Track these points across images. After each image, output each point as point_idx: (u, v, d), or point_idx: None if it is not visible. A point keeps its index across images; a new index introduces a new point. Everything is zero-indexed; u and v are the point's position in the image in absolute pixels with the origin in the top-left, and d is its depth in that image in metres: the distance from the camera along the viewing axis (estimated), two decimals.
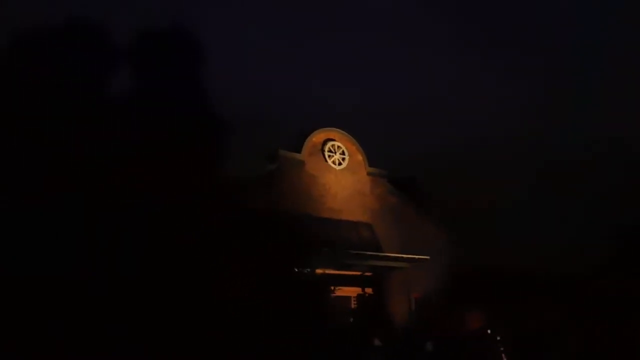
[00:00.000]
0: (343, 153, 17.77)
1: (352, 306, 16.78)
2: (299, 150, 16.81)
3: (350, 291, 16.84)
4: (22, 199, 10.39)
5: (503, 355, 16.10)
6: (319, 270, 15.32)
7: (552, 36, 49.72)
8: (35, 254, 9.77)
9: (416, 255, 15.81)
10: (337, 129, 17.97)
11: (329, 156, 17.41)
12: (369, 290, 17.09)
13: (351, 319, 16.28)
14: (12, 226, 10.04)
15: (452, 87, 47.78)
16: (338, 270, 16.05)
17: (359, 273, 16.92)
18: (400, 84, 49.14)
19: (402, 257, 15.52)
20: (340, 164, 17.58)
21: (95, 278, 9.91)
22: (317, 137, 17.48)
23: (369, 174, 18.24)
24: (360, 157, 18.20)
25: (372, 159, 18.53)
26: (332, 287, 15.41)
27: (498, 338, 17.44)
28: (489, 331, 17.91)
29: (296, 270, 14.84)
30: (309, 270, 14.60)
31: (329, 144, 17.57)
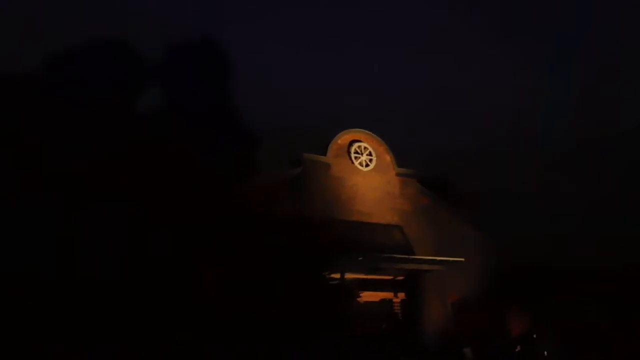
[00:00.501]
0: (370, 154, 17.29)
1: (385, 311, 16.25)
2: (324, 153, 16.44)
3: (382, 296, 16.33)
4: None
5: None
6: (348, 275, 14.93)
7: (584, 31, 47.86)
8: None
9: (450, 257, 15.15)
10: (363, 130, 17.51)
11: (356, 158, 16.97)
12: (401, 294, 16.53)
13: (383, 325, 15.77)
14: None
15: (483, 84, 46.46)
16: (368, 274, 15.58)
17: (390, 277, 16.39)
18: (427, 83, 48.26)
19: (435, 259, 14.90)
20: (367, 165, 17.10)
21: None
22: (343, 139, 17.06)
23: (398, 174, 17.68)
24: (388, 157, 17.67)
25: (400, 159, 18.00)
26: (359, 292, 15.00)
27: (543, 342, 16.61)
28: (534, 335, 17.09)
29: (325, 275, 14.49)
30: (337, 275, 14.22)
31: (355, 145, 17.12)
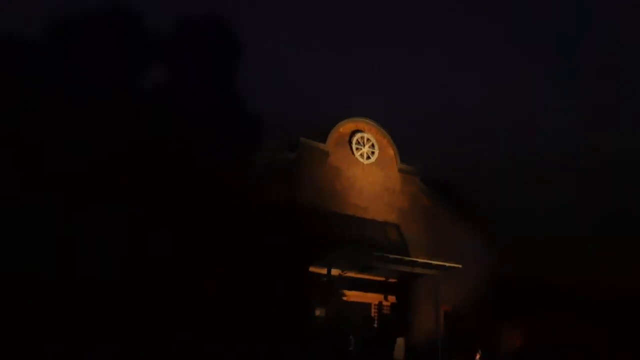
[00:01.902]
0: (373, 146, 16.22)
1: (372, 314, 15.22)
2: (323, 140, 15.38)
3: (371, 298, 15.30)
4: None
5: None
6: (336, 272, 13.92)
7: (584, 31, 46.63)
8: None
9: (447, 262, 14.10)
10: (367, 119, 16.43)
11: (357, 149, 15.91)
12: (392, 298, 15.49)
13: (370, 329, 14.76)
14: None
15: (494, 95, 45.36)
16: (359, 273, 14.56)
17: (382, 278, 15.36)
18: (443, 91, 47.22)
19: (431, 263, 13.84)
20: (369, 157, 16.04)
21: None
22: (345, 127, 16.00)
23: (400, 170, 16.61)
24: (391, 151, 16.60)
25: (404, 155, 16.92)
26: (345, 291, 14.02)
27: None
28: (529, 351, 16.13)
29: (310, 269, 13.50)
30: (323, 271, 13.21)
31: (358, 135, 16.06)
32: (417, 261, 13.77)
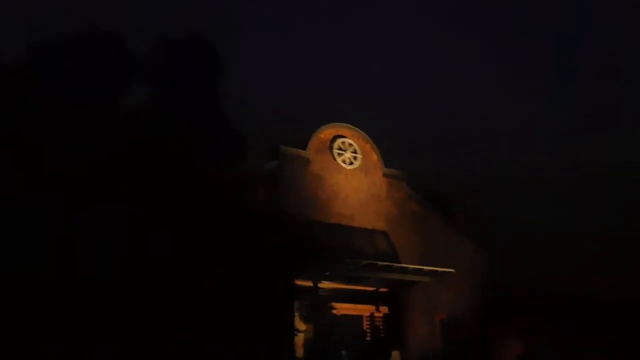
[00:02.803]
0: (355, 152, 15.60)
1: (364, 327, 14.41)
2: (304, 147, 14.76)
3: (362, 310, 14.52)
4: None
5: None
6: (323, 284, 13.16)
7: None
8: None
9: (439, 268, 13.41)
10: (348, 125, 15.82)
11: (339, 154, 15.28)
12: (384, 309, 14.71)
13: (362, 343, 13.95)
14: None
15: (486, 104, 45.36)
16: (347, 284, 13.81)
17: (373, 289, 14.60)
18: (428, 83, 47.15)
19: (422, 269, 13.14)
20: (351, 163, 15.41)
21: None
22: (325, 133, 15.38)
23: (385, 175, 15.97)
24: (374, 156, 15.98)
25: (394, 161, 16.31)
26: (333, 304, 13.27)
27: None
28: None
29: (296, 283, 12.74)
30: (309, 283, 12.47)
31: (339, 140, 15.45)
32: (408, 267, 13.08)
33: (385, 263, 12.64)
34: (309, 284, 12.45)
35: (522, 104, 45.02)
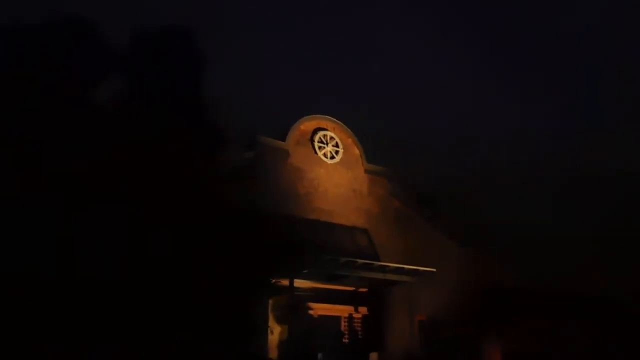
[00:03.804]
0: (336, 145, 15.01)
1: (342, 328, 13.82)
2: (283, 139, 14.09)
3: (340, 310, 13.92)
4: None
5: None
6: (300, 283, 12.51)
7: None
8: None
9: (421, 267, 12.89)
10: (330, 117, 15.24)
11: (320, 148, 14.66)
12: (363, 309, 14.14)
13: (340, 345, 13.36)
14: None
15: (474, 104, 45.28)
16: (325, 283, 13.18)
17: (352, 288, 14.01)
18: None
19: (403, 267, 12.60)
20: (332, 157, 14.81)
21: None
22: (306, 125, 14.75)
23: (367, 171, 15.41)
24: (357, 150, 15.41)
25: (372, 156, 15.72)
26: (309, 304, 12.65)
27: None
28: None
29: (271, 281, 12.04)
30: (285, 282, 11.79)
31: (320, 133, 14.83)
32: (388, 266, 12.52)
33: (365, 261, 12.05)
34: (285, 282, 11.77)
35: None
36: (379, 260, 13.53)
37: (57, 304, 9.26)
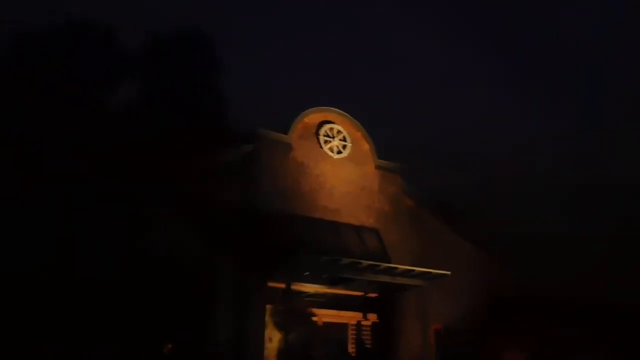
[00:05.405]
0: (344, 139, 13.97)
1: (349, 338, 12.71)
2: (286, 132, 13.12)
3: (348, 317, 12.81)
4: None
5: None
6: (298, 286, 11.46)
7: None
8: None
9: (433, 270, 11.74)
10: (337, 110, 14.21)
11: (326, 142, 13.64)
12: (372, 316, 13.01)
13: (347, 356, 12.27)
14: None
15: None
16: (330, 287, 12.12)
17: (360, 294, 12.91)
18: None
19: (413, 269, 11.46)
20: (340, 152, 13.77)
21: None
22: (311, 117, 13.74)
23: (377, 167, 14.31)
24: (366, 145, 14.33)
25: (383, 152, 14.64)
26: (313, 311, 11.61)
27: None
28: None
29: (269, 284, 11.07)
30: (282, 285, 10.77)
31: (326, 126, 13.82)
32: (397, 268, 11.37)
33: (370, 262, 10.93)
34: (282, 286, 10.76)
35: (521, 103, 43.89)
36: (390, 262, 12.40)
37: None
